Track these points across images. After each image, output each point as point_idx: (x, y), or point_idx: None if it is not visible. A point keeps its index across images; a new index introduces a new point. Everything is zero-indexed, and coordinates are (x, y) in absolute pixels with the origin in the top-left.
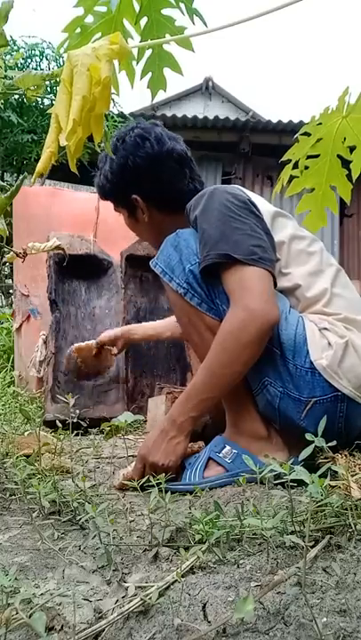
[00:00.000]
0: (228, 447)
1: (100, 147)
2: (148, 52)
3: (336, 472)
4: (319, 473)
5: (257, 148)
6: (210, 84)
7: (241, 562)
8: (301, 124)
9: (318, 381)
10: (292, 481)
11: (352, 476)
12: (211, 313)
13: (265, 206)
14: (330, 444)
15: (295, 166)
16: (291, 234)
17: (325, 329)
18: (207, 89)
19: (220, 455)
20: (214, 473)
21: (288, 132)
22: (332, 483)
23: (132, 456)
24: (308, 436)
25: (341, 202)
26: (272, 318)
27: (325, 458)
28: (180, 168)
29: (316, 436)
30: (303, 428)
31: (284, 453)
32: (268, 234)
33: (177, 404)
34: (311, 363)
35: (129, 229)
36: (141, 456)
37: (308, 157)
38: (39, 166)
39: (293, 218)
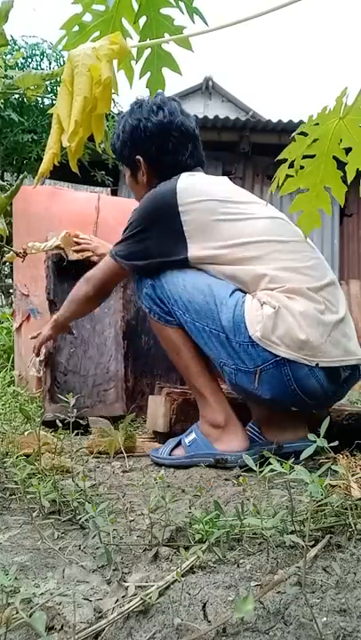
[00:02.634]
0: (192, 434)
1: (100, 146)
2: (147, 52)
3: (336, 471)
4: (319, 472)
5: (257, 147)
6: (210, 83)
7: (241, 561)
8: (301, 123)
9: (258, 352)
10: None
11: (352, 475)
12: (169, 325)
13: (204, 204)
14: (325, 444)
15: (291, 165)
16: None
17: (265, 303)
18: (207, 88)
19: (186, 440)
20: (178, 453)
21: (288, 131)
22: (333, 482)
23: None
24: (311, 436)
25: None
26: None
27: (327, 458)
28: (185, 142)
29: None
30: (260, 396)
31: (238, 442)
32: (180, 232)
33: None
34: (250, 337)
35: None
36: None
37: (304, 157)
38: (42, 167)
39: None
